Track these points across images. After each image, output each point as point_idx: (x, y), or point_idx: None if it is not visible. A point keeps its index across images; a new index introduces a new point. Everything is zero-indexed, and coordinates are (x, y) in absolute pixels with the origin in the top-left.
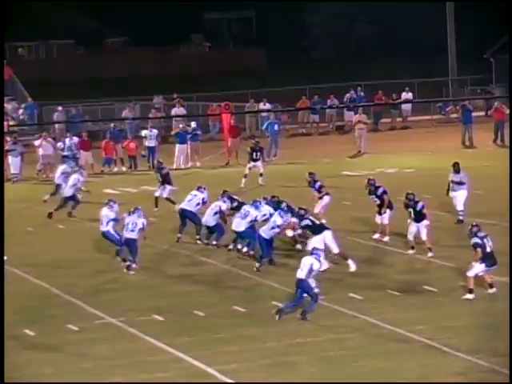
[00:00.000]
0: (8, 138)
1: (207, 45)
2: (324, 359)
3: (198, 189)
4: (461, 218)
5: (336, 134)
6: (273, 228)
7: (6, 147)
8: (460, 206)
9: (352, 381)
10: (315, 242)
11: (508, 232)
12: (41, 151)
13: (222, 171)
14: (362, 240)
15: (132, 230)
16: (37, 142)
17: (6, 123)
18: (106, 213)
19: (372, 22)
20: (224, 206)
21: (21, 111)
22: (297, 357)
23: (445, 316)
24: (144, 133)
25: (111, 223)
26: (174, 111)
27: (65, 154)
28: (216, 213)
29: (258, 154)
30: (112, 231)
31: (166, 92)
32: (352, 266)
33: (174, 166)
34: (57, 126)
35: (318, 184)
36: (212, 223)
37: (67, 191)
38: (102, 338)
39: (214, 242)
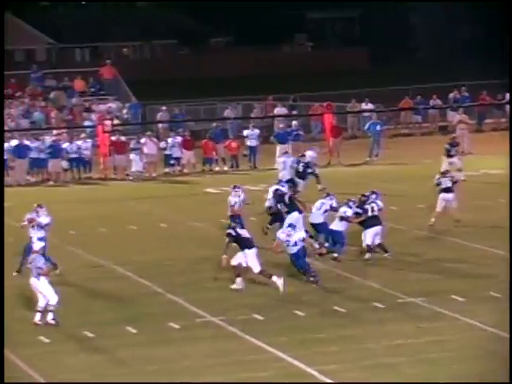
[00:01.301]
0: (121, 138)
1: (310, 44)
2: (424, 361)
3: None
4: None
5: (439, 134)
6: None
7: (131, 145)
8: None
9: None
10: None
11: None
12: (145, 150)
13: (324, 171)
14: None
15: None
16: (142, 141)
17: (109, 122)
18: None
19: (474, 22)
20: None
21: (125, 111)
22: (396, 358)
23: None
24: (246, 132)
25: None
26: (275, 111)
27: (167, 153)
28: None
29: (454, 149)
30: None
31: (268, 92)
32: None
33: (275, 166)
34: (160, 125)
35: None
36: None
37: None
38: (203, 336)
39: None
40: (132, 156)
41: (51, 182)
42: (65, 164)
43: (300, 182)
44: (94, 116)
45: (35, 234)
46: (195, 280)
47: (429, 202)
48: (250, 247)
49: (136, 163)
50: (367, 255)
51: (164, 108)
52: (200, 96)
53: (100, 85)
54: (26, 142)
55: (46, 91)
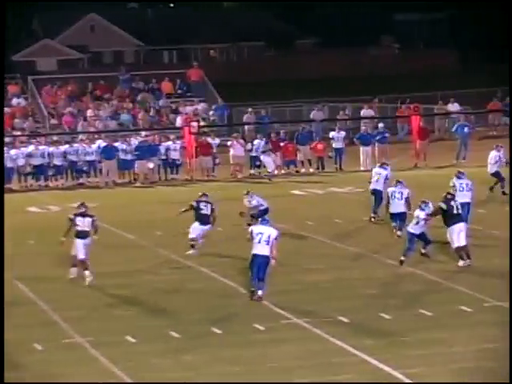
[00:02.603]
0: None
1: (396, 46)
2: None
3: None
4: None
5: None
6: (417, 223)
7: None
8: None
9: None
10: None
11: None
12: (232, 152)
13: (410, 174)
14: None
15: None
16: (229, 143)
17: (196, 124)
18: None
19: None
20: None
21: (211, 112)
22: (485, 362)
23: None
24: (332, 134)
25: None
26: (362, 113)
27: (254, 154)
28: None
29: None
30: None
31: (354, 94)
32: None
33: (362, 168)
34: (246, 127)
35: None
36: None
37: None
38: (288, 338)
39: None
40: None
41: (138, 183)
42: (151, 165)
43: None
44: (180, 118)
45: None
46: (280, 282)
47: None
48: None
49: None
50: (461, 262)
51: (250, 110)
52: (286, 98)
53: (187, 87)
54: (115, 144)
55: (133, 93)
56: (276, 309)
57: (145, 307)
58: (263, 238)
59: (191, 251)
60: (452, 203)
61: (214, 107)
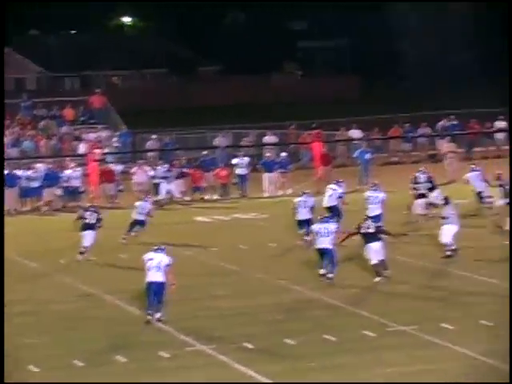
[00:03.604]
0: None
1: (299, 73)
2: None
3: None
4: None
5: (429, 162)
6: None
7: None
8: None
9: None
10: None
11: None
12: (135, 178)
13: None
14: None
15: None
16: (132, 170)
17: (99, 150)
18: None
19: (465, 50)
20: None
21: (115, 139)
22: None
23: None
24: (235, 161)
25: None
26: (265, 139)
27: (156, 181)
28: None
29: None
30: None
31: (257, 120)
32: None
33: (265, 195)
34: (150, 154)
35: None
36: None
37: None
38: (193, 365)
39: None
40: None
41: (44, 210)
42: (58, 191)
43: None
44: (83, 145)
45: None
46: (185, 308)
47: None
48: None
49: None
50: (377, 279)
51: (154, 136)
52: (190, 125)
53: (90, 113)
54: (16, 172)
55: (35, 120)
56: (181, 336)
57: (48, 336)
58: (153, 264)
59: (80, 257)
60: (366, 223)
61: (117, 134)
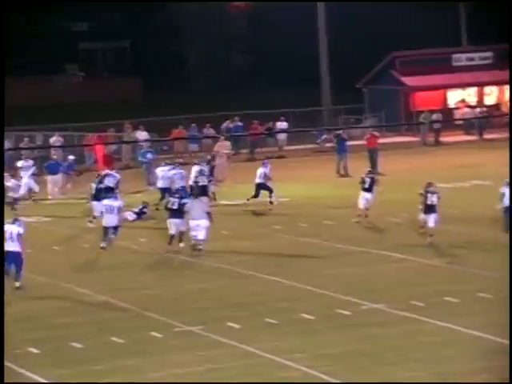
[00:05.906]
0: None
1: (81, 74)
2: None
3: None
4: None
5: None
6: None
7: None
8: None
9: None
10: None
11: None
12: None
13: (133, 199)
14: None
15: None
16: None
17: None
18: None
19: (246, 52)
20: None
21: None
22: None
23: (322, 344)
24: (20, 163)
25: None
26: (51, 141)
27: None
28: None
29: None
30: None
31: (41, 122)
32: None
33: (49, 197)
34: None
35: None
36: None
37: None
38: None
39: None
40: None
41: None
42: None
43: None
44: None
45: None
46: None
47: None
48: None
49: None
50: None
51: None
52: None
53: None
54: None
55: None
56: (31, 349)
57: None
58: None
59: None
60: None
61: None
